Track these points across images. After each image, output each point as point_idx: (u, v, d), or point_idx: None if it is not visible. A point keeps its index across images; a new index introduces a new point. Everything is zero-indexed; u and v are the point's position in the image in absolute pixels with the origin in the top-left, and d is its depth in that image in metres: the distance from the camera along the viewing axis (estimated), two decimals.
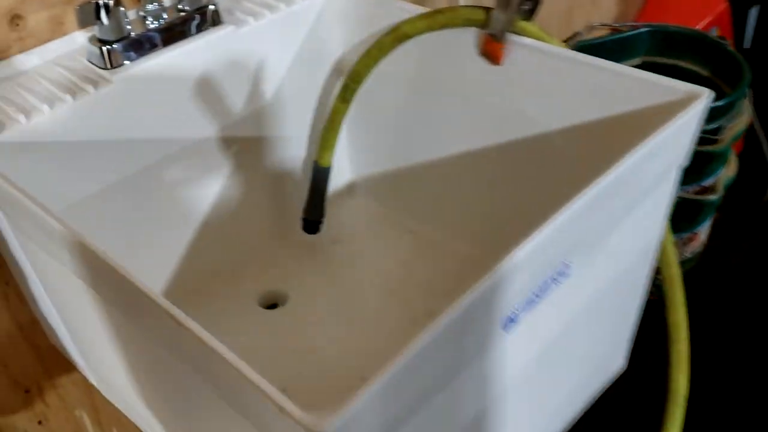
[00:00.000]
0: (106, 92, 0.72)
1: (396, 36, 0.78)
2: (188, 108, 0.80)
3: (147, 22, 0.76)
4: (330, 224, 0.97)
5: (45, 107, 0.69)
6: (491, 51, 0.75)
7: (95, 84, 0.72)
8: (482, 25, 0.75)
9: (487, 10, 0.74)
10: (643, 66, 1.54)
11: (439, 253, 0.94)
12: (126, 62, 0.74)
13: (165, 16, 0.77)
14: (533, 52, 0.74)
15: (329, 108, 0.94)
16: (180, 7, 0.78)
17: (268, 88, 0.87)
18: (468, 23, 0.75)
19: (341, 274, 0.93)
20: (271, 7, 0.84)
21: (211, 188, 0.87)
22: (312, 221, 0.94)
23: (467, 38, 0.77)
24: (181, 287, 0.88)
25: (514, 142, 0.81)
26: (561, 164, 0.77)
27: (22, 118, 0.68)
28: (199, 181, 0.85)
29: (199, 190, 0.86)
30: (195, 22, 0.78)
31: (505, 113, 0.80)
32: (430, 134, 0.89)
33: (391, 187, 0.99)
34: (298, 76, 0.90)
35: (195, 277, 0.89)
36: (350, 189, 1.04)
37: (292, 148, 0.94)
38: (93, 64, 0.74)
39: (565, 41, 1.55)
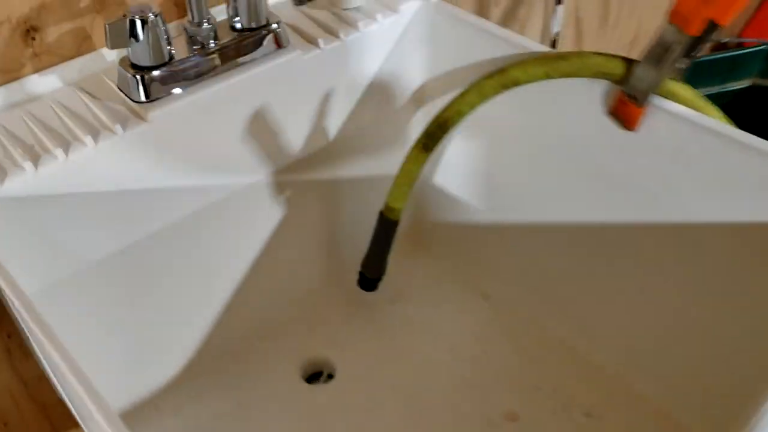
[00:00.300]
0: (138, 133, 0.57)
1: (502, 81, 0.62)
2: (237, 149, 0.65)
3: (194, 45, 0.60)
4: (389, 277, 0.82)
5: (59, 152, 0.54)
6: (626, 113, 0.59)
7: (125, 122, 0.57)
8: (619, 80, 0.58)
9: (629, 62, 0.57)
10: (753, 89, 1.36)
11: (521, 329, 0.78)
12: (166, 94, 0.59)
13: (215, 37, 0.61)
14: (682, 123, 0.57)
15: (404, 147, 0.79)
16: (235, 25, 0.62)
17: (333, 123, 0.72)
18: (599, 76, 0.59)
19: (399, 343, 0.79)
20: (344, 27, 0.68)
21: (254, 238, 0.73)
22: (370, 278, 0.80)
23: (592, 87, 0.60)
24: (214, 350, 0.74)
25: (637, 222, 0.65)
26: (698, 264, 0.61)
27: (28, 165, 0.53)
28: (240, 231, 0.71)
29: (241, 240, 0.72)
30: (253, 45, 0.62)
31: (629, 187, 0.63)
32: (523, 188, 0.73)
33: (466, 240, 0.83)
34: (369, 109, 0.74)
35: (230, 339, 0.75)
36: (413, 235, 0.89)
37: (353, 191, 0.79)
38: (123, 93, 0.59)
39: None
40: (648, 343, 0.70)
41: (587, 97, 0.62)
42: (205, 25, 0.60)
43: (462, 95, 0.65)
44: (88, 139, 0.55)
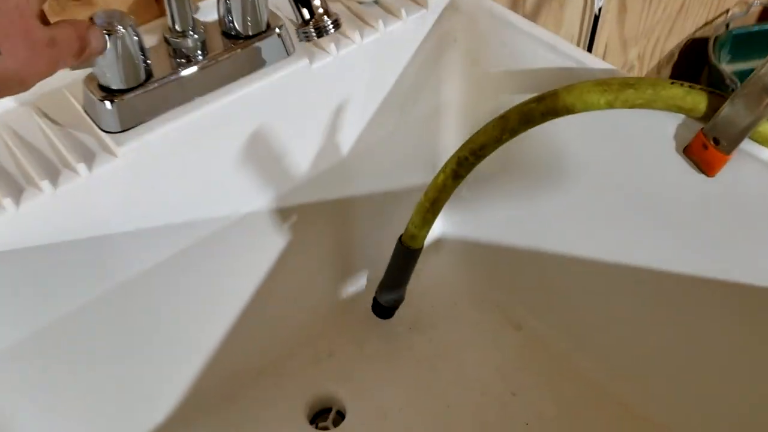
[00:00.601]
0: (108, 172, 0.47)
1: (553, 108, 0.51)
2: (233, 178, 0.55)
3: (177, 58, 0.49)
4: (407, 300, 0.72)
5: (8, 202, 0.44)
6: (705, 157, 0.48)
7: (91, 159, 0.46)
8: (701, 117, 0.47)
9: (715, 98, 0.46)
10: None
11: (556, 369, 0.69)
12: (142, 122, 0.48)
13: (203, 47, 0.50)
14: None
15: (427, 159, 0.68)
16: (229, 31, 0.51)
17: (346, 139, 0.61)
18: (675, 110, 0.47)
19: (418, 377, 0.70)
20: (360, 27, 0.56)
21: (254, 268, 0.63)
22: (386, 306, 0.70)
23: (663, 118, 0.49)
24: (208, 390, 0.66)
25: (701, 275, 0.54)
26: (759, 332, 0.52)
27: None
28: (238, 263, 0.61)
29: (239, 272, 0.62)
30: (251, 56, 0.51)
31: (699, 237, 0.53)
32: (572, 220, 0.63)
33: (500, 263, 0.73)
34: (388, 121, 0.63)
35: (225, 377, 0.66)
36: (437, 251, 0.79)
37: (369, 210, 0.69)
38: (90, 117, 0.48)
39: (710, 22, 1.23)
40: (699, 398, 0.61)
41: (656, 129, 0.51)
42: (191, 34, 0.49)
43: (503, 119, 0.54)
44: (45, 185, 0.45)
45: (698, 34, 1.23)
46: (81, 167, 0.46)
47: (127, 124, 0.48)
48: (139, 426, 0.63)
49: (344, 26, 0.56)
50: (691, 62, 1.25)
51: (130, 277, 0.53)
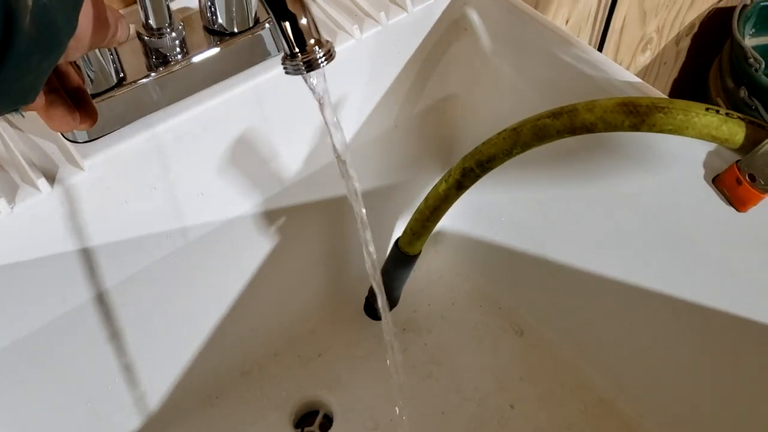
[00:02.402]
0: (73, 187, 0.42)
1: (570, 125, 0.46)
2: (215, 185, 0.50)
3: (154, 58, 0.44)
4: (401, 299, 0.69)
5: None
6: (737, 191, 0.43)
7: (53, 174, 0.42)
8: (739, 148, 0.42)
9: (755, 128, 0.41)
10: None
11: (558, 380, 0.66)
12: (114, 130, 0.43)
13: (182, 45, 0.44)
14: None
15: (426, 156, 0.63)
16: (211, 26, 0.45)
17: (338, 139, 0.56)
18: (709, 139, 0.42)
19: (411, 383, 0.66)
20: (359, 21, 0.51)
21: (238, 272, 0.59)
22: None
23: (695, 143, 0.45)
24: (187, 392, 0.62)
25: (723, 309, 0.50)
26: None
27: None
28: (220, 269, 0.57)
29: (221, 277, 0.58)
30: (236, 55, 0.46)
31: (723, 270, 0.49)
32: (586, 233, 0.59)
33: (504, 264, 0.69)
34: (386, 118, 0.58)
35: (206, 379, 0.63)
36: (436, 245, 0.74)
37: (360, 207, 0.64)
38: None
39: None
40: (705, 421, 0.57)
41: (684, 151, 0.46)
42: (168, 31, 0.43)
43: (515, 131, 0.48)
44: (0, 203, 0.40)
45: (722, 3, 1.16)
46: (42, 183, 0.41)
47: (96, 133, 0.43)
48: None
49: (343, 19, 0.50)
50: (713, 34, 1.18)
51: (107, 288, 0.49)
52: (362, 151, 0.59)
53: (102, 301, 0.49)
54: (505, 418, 0.64)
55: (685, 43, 1.17)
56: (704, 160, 0.45)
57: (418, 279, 0.72)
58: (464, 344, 0.68)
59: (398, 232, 0.60)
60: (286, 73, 0.33)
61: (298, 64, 0.32)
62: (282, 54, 0.33)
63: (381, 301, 0.48)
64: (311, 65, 0.32)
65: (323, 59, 0.32)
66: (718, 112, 0.42)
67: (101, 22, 0.30)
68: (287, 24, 0.31)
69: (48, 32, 0.24)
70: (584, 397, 0.64)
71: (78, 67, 0.40)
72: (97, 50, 0.40)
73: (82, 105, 0.35)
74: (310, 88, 0.34)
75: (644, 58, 1.09)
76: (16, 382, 0.49)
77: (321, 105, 0.35)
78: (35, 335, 0.47)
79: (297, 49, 0.32)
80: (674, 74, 1.22)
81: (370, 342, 0.68)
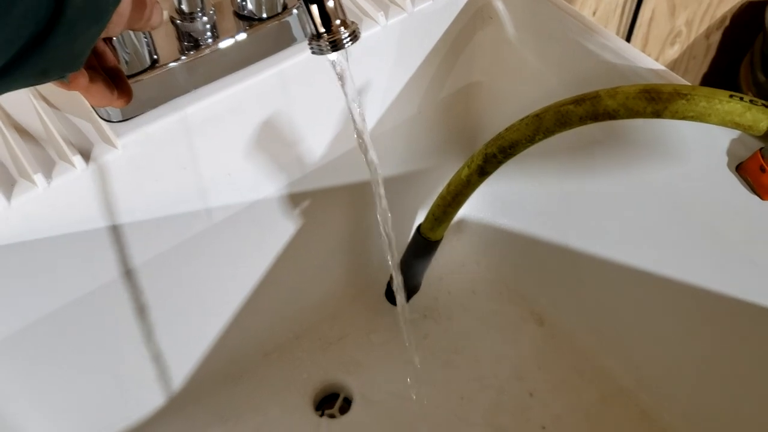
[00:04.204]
0: (107, 165, 0.44)
1: (592, 112, 0.46)
2: (242, 166, 0.52)
3: (185, 42, 0.45)
4: (422, 286, 0.69)
5: None
6: (761, 180, 0.43)
7: (88, 151, 0.43)
8: (763, 136, 0.42)
9: None
10: None
11: (578, 370, 0.66)
12: (147, 110, 0.45)
13: (213, 29, 0.46)
14: None
15: (449, 141, 0.64)
16: (241, 11, 0.47)
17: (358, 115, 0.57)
18: (732, 126, 0.43)
19: (430, 370, 0.67)
20: (385, 7, 0.52)
21: (262, 254, 0.60)
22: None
23: (718, 130, 0.45)
24: (209, 373, 0.64)
25: (746, 299, 0.50)
26: None
27: None
28: (245, 250, 0.58)
29: (245, 259, 0.59)
30: (265, 40, 0.47)
31: (747, 260, 0.49)
32: (609, 222, 0.59)
33: (525, 252, 0.70)
34: (411, 103, 0.59)
35: (228, 359, 0.64)
36: (458, 233, 0.75)
37: (386, 193, 0.65)
38: (91, 105, 0.45)
39: None
40: (725, 416, 0.58)
41: (707, 139, 0.46)
42: (199, 16, 0.44)
43: (537, 117, 0.49)
44: (38, 178, 0.42)
45: None
46: (77, 160, 0.42)
47: (129, 113, 0.44)
48: (141, 407, 0.61)
49: (368, 5, 0.51)
50: (744, 28, 1.17)
51: (135, 266, 0.51)
52: (385, 137, 0.59)
53: (130, 278, 0.51)
54: (524, 405, 0.64)
55: (716, 37, 1.16)
56: (727, 147, 0.45)
57: (439, 267, 0.73)
58: (484, 332, 0.69)
59: (420, 218, 0.61)
60: (312, 52, 0.34)
61: (323, 44, 0.33)
62: (309, 34, 0.34)
63: (396, 281, 0.49)
64: (336, 45, 0.33)
65: (348, 39, 0.33)
66: (742, 99, 0.42)
67: (141, 0, 0.32)
68: (314, 5, 0.32)
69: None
70: (603, 386, 0.65)
71: (114, 48, 0.41)
72: (132, 34, 0.42)
73: (118, 83, 0.36)
74: (332, 67, 0.35)
75: (673, 52, 1.08)
76: (45, 354, 0.50)
77: (342, 81, 0.36)
78: (65, 309, 0.49)
79: (323, 29, 0.33)
80: (704, 68, 1.21)
81: (391, 328, 0.69)
